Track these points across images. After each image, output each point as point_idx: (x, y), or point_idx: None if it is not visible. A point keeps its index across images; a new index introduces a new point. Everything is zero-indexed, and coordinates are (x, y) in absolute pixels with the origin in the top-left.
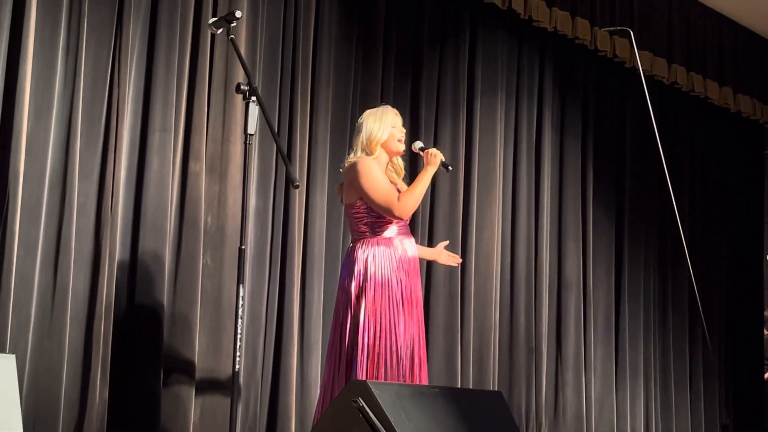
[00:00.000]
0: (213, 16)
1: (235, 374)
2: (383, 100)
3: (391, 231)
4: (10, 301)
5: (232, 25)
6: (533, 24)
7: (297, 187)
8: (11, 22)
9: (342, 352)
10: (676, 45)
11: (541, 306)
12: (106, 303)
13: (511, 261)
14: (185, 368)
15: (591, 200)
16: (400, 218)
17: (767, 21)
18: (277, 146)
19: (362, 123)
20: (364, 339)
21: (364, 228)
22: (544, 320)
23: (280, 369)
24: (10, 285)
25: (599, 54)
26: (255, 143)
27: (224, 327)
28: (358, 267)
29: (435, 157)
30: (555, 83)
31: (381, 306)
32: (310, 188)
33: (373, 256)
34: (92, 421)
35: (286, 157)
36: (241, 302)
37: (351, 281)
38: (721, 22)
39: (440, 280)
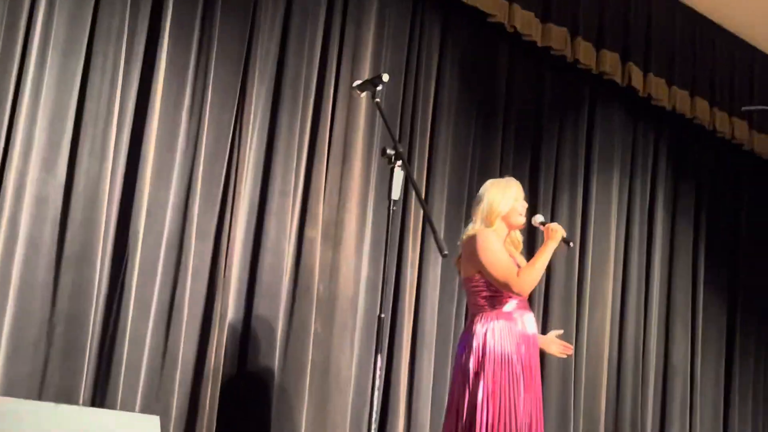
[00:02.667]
0: (335, 84)
1: None
2: (501, 173)
3: (511, 305)
4: (123, 360)
5: (378, 88)
6: (651, 102)
7: (446, 256)
8: (139, 83)
9: (459, 430)
10: None
11: (647, 392)
12: (214, 367)
13: (620, 342)
14: None
15: (702, 284)
16: (518, 294)
17: None
18: (425, 212)
19: (484, 193)
20: (483, 417)
21: (482, 302)
22: (649, 406)
23: None
24: (123, 345)
25: (717, 135)
26: (370, 210)
27: (330, 398)
28: (477, 342)
29: (556, 233)
30: (669, 163)
31: (501, 383)
32: (424, 260)
33: (492, 331)
34: None
35: (433, 224)
36: (378, 372)
37: (469, 357)
38: None
39: (553, 361)
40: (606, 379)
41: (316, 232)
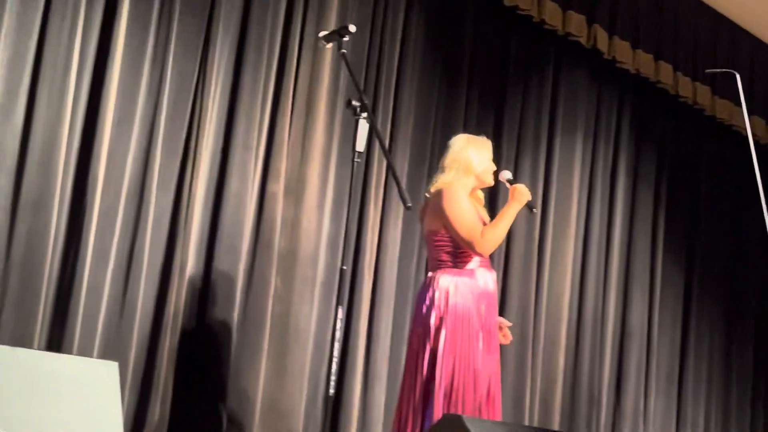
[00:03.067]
0: (300, 36)
1: (328, 399)
2: (465, 131)
3: (474, 263)
4: (79, 308)
5: (345, 39)
6: (616, 65)
7: (409, 208)
8: (101, 30)
9: (418, 385)
10: (757, 97)
11: (604, 353)
12: (173, 318)
13: (579, 304)
14: (249, 392)
15: (661, 248)
16: (480, 254)
17: None
18: (388, 163)
19: (463, 147)
20: (441, 372)
21: (445, 257)
22: (606, 368)
23: (341, 401)
24: (80, 293)
25: (679, 100)
26: (333, 165)
27: (289, 351)
28: (439, 297)
29: (522, 195)
30: (632, 127)
31: (461, 339)
32: (385, 218)
33: (455, 287)
34: None
35: (398, 176)
36: (339, 324)
37: (430, 311)
38: None
39: (513, 319)
40: (564, 340)
41: (278, 187)
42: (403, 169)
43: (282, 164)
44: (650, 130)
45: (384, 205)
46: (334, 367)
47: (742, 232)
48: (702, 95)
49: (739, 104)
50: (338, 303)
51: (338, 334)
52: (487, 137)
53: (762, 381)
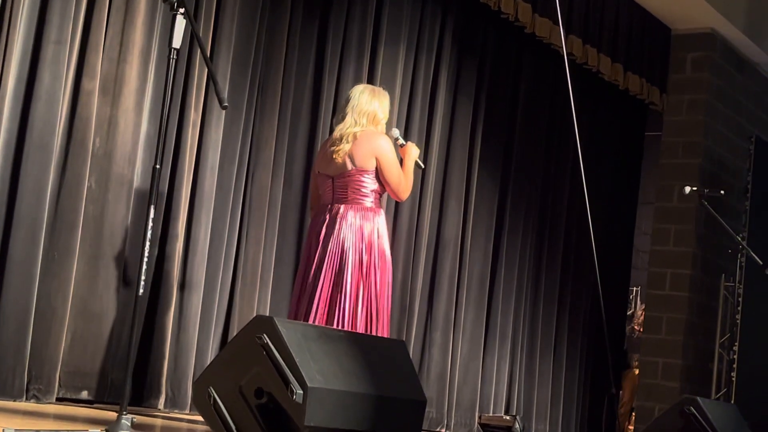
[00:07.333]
0: None
1: (137, 299)
2: (289, 39)
3: (382, 204)
4: None
5: None
6: None
7: (225, 107)
8: None
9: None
10: (575, 16)
11: (418, 263)
12: None
13: (394, 215)
14: (58, 295)
15: (477, 162)
16: (401, 200)
17: (665, 4)
18: (206, 62)
19: (368, 101)
20: (383, 305)
21: (370, 196)
22: (419, 278)
23: (157, 305)
24: None
25: (501, 16)
26: (152, 65)
27: (103, 254)
28: (372, 236)
29: (415, 152)
30: (454, 41)
31: (388, 279)
32: (206, 121)
33: (382, 228)
34: None
35: (213, 71)
36: (151, 224)
37: (362, 251)
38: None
39: None
40: None
41: (93, 85)
42: (226, 73)
43: (98, 62)
44: (472, 45)
45: (205, 107)
46: (145, 267)
47: (554, 146)
48: (523, 13)
49: (558, 23)
50: (150, 203)
51: (149, 234)
52: (311, 45)
53: (567, 293)
